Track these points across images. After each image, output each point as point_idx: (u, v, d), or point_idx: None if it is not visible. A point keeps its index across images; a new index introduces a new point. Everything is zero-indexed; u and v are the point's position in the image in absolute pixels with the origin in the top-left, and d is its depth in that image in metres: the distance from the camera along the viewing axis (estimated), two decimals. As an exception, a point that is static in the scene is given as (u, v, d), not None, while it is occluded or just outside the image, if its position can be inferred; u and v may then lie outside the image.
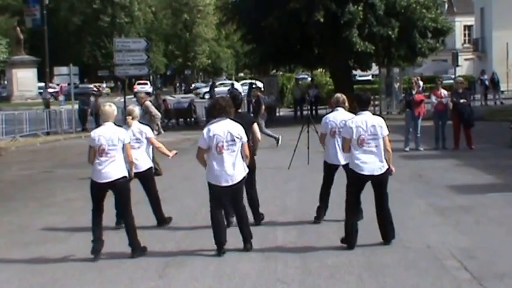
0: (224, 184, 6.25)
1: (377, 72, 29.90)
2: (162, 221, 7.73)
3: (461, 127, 14.02)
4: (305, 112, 25.75)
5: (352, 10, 21.65)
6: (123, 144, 6.36)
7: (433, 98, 14.27)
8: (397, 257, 6.13)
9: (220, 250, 6.32)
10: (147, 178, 7.64)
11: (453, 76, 29.15)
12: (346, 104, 7.61)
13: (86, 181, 9.53)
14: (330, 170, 7.53)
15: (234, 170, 6.23)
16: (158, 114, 11.76)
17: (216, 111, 6.29)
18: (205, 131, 6.23)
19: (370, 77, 45.43)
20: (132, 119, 7.73)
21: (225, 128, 6.22)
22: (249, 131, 6.98)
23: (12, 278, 6.01)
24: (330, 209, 7.80)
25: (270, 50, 24.27)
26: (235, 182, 6.28)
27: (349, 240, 6.37)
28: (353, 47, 21.95)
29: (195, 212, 8.43)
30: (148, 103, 11.81)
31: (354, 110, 6.72)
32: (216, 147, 6.17)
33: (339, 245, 6.59)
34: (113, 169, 6.27)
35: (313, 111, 25.09)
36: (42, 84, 32.85)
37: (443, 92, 14.36)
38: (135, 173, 6.95)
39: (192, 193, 9.42)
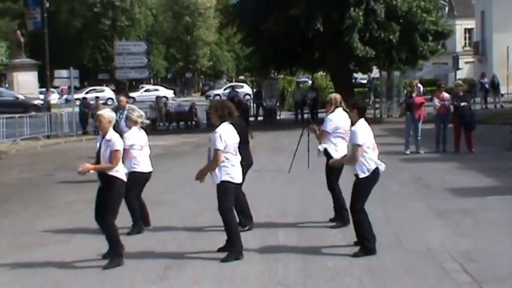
0: (240, 181, 6.55)
1: (377, 75, 29.94)
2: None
3: (462, 130, 14.03)
4: (306, 115, 25.78)
5: (353, 15, 21.66)
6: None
7: (436, 101, 14.27)
8: (397, 260, 6.14)
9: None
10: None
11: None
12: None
13: (86, 184, 9.61)
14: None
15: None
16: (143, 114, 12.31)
17: (228, 115, 6.39)
18: (222, 134, 6.26)
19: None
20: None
21: (234, 131, 6.44)
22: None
23: (13, 280, 6.03)
24: (332, 213, 7.82)
25: (270, 53, 24.30)
26: None
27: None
28: (354, 51, 21.99)
29: (196, 214, 8.44)
30: (131, 105, 12.33)
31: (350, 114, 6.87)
32: (233, 149, 6.37)
33: (339, 248, 6.61)
34: None
35: (313, 114, 25.10)
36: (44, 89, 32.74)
37: (446, 95, 14.37)
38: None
39: (193, 196, 9.43)
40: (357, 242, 6.52)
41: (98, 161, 6.28)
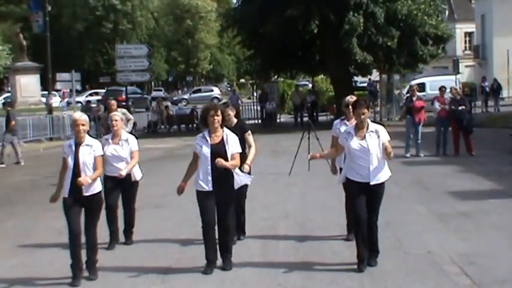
0: None
1: (377, 78, 29.98)
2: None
3: (460, 133, 14.09)
4: (305, 118, 25.82)
5: (352, 20, 21.67)
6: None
7: (437, 105, 14.34)
8: (397, 263, 6.17)
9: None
10: None
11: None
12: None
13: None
14: None
15: None
16: (132, 119, 12.57)
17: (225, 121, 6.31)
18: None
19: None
20: None
21: None
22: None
23: (15, 282, 6.06)
24: (333, 215, 7.86)
25: (270, 56, 24.37)
26: None
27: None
28: (353, 56, 22.03)
29: (197, 217, 8.46)
30: (124, 110, 12.47)
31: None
32: None
33: (340, 250, 6.65)
34: None
35: (313, 118, 25.11)
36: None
37: (447, 99, 14.42)
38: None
39: (195, 198, 9.45)
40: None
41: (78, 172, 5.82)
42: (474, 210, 8.40)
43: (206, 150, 6.04)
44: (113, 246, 7.09)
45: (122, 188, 7.15)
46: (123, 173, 7.02)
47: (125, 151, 7.11)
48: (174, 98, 36.78)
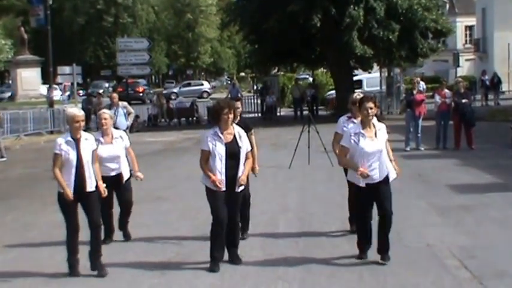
0: None
1: (377, 72, 29.97)
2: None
3: (462, 127, 14.10)
4: (305, 112, 25.84)
5: (352, 13, 21.66)
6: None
7: (437, 98, 14.35)
8: (397, 256, 6.17)
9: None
10: None
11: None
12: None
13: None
14: None
15: None
16: (133, 112, 12.70)
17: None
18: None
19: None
20: None
21: None
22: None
23: (16, 275, 6.07)
24: (332, 209, 7.88)
25: (271, 50, 24.36)
26: None
27: None
28: (353, 50, 22.04)
29: (197, 210, 8.51)
30: (125, 103, 12.52)
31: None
32: None
33: (340, 243, 6.67)
34: None
35: (313, 111, 25.12)
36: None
37: (447, 92, 14.43)
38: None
39: (194, 192, 9.49)
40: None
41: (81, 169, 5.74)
42: (474, 204, 8.42)
43: (221, 149, 5.82)
44: (109, 241, 6.93)
45: (115, 187, 6.79)
46: (140, 175, 6.97)
47: (119, 149, 6.82)
48: (164, 92, 36.97)
